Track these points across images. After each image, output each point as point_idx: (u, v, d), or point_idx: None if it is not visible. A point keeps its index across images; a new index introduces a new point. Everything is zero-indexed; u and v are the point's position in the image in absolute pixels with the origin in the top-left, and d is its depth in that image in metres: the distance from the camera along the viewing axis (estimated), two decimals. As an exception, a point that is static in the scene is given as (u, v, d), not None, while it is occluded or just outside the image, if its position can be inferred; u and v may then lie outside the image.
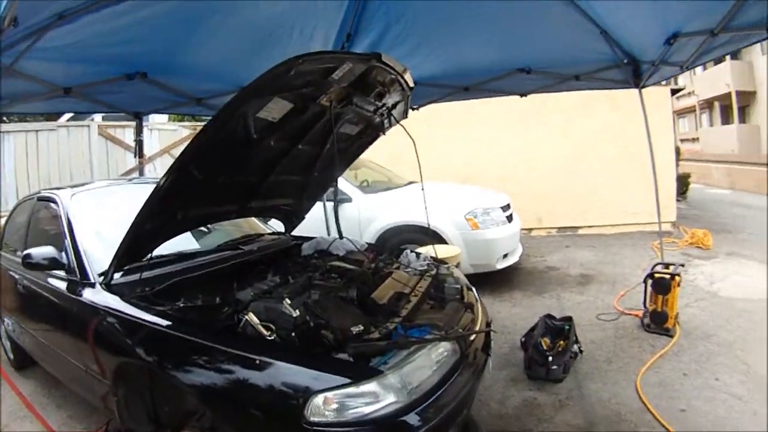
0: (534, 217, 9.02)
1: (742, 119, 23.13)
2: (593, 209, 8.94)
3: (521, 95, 5.10)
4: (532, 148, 9.21)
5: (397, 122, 3.38)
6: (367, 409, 1.96)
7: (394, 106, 3.26)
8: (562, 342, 3.92)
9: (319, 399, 1.93)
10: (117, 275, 2.70)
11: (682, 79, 26.60)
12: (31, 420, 3.62)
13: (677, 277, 4.30)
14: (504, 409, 3.48)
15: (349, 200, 6.16)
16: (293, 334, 2.19)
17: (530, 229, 9.18)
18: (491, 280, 6.02)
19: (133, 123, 6.64)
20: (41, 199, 3.79)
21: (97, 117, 10.35)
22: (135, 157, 6.66)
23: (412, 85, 3.02)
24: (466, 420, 2.60)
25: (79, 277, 2.87)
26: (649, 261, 5.89)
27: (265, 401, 2.04)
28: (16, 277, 3.65)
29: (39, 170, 8.01)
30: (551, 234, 9.10)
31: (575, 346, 4.01)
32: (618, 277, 6.04)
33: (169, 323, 2.34)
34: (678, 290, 4.32)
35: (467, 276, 3.49)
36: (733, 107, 22.77)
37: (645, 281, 4.51)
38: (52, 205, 3.47)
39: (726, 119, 24.49)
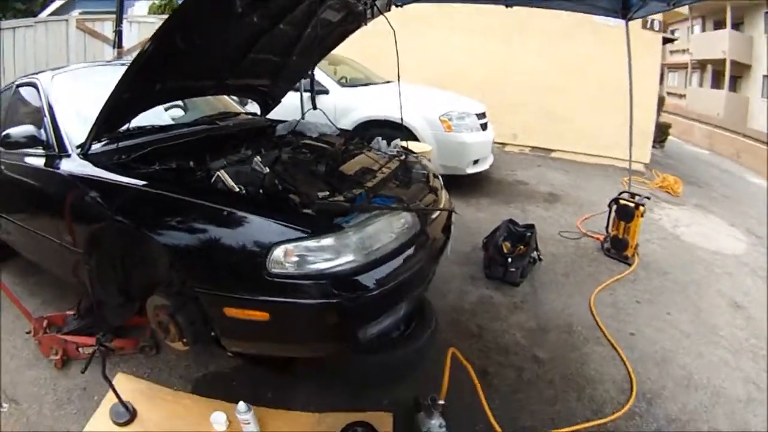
0: (509, 132, 8.94)
1: (733, 88, 23.05)
2: (568, 135, 8.91)
3: (506, 5, 4.85)
4: (512, 65, 9.04)
5: (381, 12, 3.33)
6: (326, 264, 2.02)
7: None
8: (522, 247, 4.01)
9: (280, 250, 1.99)
10: (95, 145, 2.70)
11: (680, 36, 26.36)
12: (5, 310, 3.66)
13: (641, 207, 4.36)
14: (461, 303, 3.61)
15: (327, 92, 6.07)
16: (261, 191, 2.21)
17: (504, 144, 9.11)
18: (460, 184, 6.03)
19: (112, 16, 6.30)
20: (20, 85, 3.64)
21: (74, 13, 10.47)
22: (114, 48, 6.54)
23: None
24: (421, 300, 2.70)
25: (57, 151, 2.85)
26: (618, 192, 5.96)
27: (230, 254, 2.08)
28: None
29: (15, 67, 7.66)
30: (524, 152, 9.05)
31: (535, 253, 4.10)
32: (585, 202, 6.11)
33: (144, 183, 2.36)
34: (640, 221, 4.39)
35: None
36: (725, 73, 22.62)
37: (609, 206, 4.57)
38: (32, 89, 3.35)
39: (716, 84, 24.29)
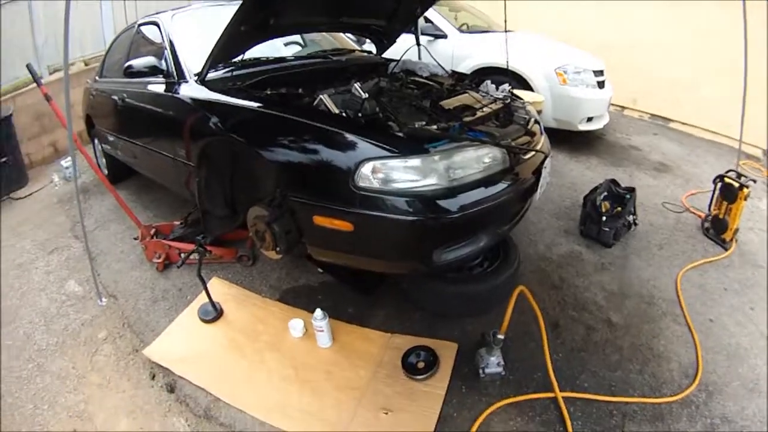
0: (629, 96, 8.54)
1: None
2: (690, 106, 8.27)
3: None
4: (640, 27, 8.48)
5: None
6: (410, 184, 2.13)
7: None
8: (619, 208, 3.91)
9: (368, 166, 2.13)
10: (211, 73, 2.96)
11: None
12: (118, 222, 4.25)
13: (745, 189, 4.05)
14: (549, 254, 3.62)
15: (445, 37, 6.05)
16: (360, 115, 2.32)
17: (623, 107, 8.73)
18: (572, 141, 5.93)
19: None
20: (142, 24, 3.97)
21: None
22: None
23: None
24: (507, 241, 2.77)
25: (177, 78, 3.14)
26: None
27: (323, 167, 2.26)
28: (116, 97, 3.99)
29: (137, 7, 7.91)
30: (643, 118, 8.57)
31: (631, 217, 3.99)
32: (693, 177, 5.76)
33: (252, 104, 2.58)
34: (743, 203, 4.08)
35: (548, 129, 3.43)
36: None
37: (714, 182, 4.29)
38: (154, 27, 3.67)
39: None
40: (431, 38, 5.80)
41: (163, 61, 3.24)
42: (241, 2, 2.51)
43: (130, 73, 3.11)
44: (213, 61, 2.85)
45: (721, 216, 4.18)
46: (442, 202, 2.14)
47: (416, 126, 2.30)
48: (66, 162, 5.67)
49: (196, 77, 3.00)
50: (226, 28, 2.59)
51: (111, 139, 4.50)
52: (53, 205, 5.06)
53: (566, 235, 3.92)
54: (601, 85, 5.77)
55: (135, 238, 3.75)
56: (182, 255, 3.30)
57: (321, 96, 2.44)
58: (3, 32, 6.22)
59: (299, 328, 2.66)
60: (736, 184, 4.08)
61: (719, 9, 7.11)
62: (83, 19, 7.29)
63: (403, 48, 3.96)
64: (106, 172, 5.06)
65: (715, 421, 2.41)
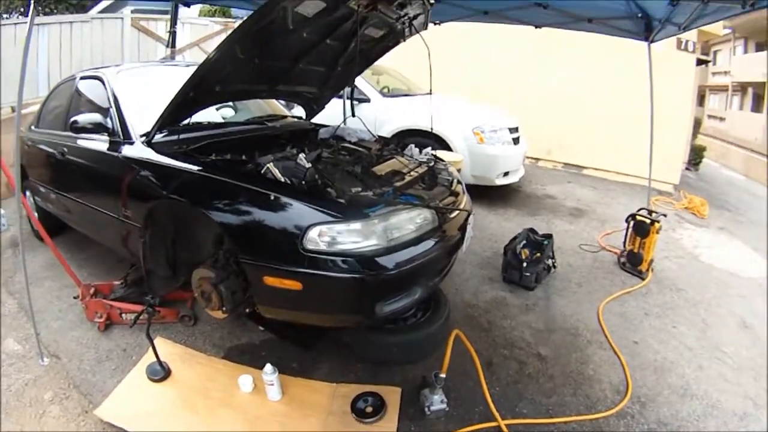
0: (543, 148, 9.16)
1: None
2: (600, 152, 9.02)
3: (536, 26, 5.19)
4: (547, 81, 9.22)
5: (418, 32, 3.57)
6: (353, 246, 2.35)
7: (416, 17, 3.44)
8: (538, 254, 4.20)
9: (315, 231, 2.33)
10: (156, 136, 3.06)
11: (722, 58, 25.62)
12: (52, 279, 4.15)
13: (657, 224, 4.48)
14: (476, 300, 3.87)
15: (368, 101, 6.44)
16: (303, 182, 2.53)
17: (538, 159, 9.34)
18: (490, 195, 6.34)
19: (165, 17, 6.93)
20: (84, 78, 4.00)
21: (126, 11, 10.78)
22: (167, 47, 6.76)
23: (432, 1, 3.28)
24: (436, 291, 3.00)
25: (122, 138, 3.22)
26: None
27: (273, 231, 2.44)
28: (54, 150, 4.00)
29: (72, 59, 8.00)
30: (557, 168, 9.18)
31: (550, 261, 4.31)
32: (609, 218, 6.23)
33: (203, 169, 2.72)
34: (656, 237, 4.51)
35: (467, 186, 3.71)
36: (765, 97, 21.85)
37: (627, 221, 4.70)
38: (96, 82, 3.71)
39: (757, 107, 23.50)
40: (355, 102, 6.05)
41: (108, 119, 3.31)
42: (193, 72, 2.67)
43: (75, 128, 3.16)
44: (162, 125, 2.97)
45: (635, 250, 4.58)
46: (381, 260, 2.37)
47: (353, 193, 2.56)
48: (-7, 212, 5.45)
49: (143, 138, 3.09)
50: (176, 95, 2.75)
51: (45, 192, 4.42)
52: (-18, 257, 4.84)
53: (490, 283, 4.22)
54: (516, 141, 6.24)
55: (75, 297, 3.69)
56: (124, 316, 3.40)
57: (268, 165, 2.62)
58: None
59: (249, 384, 2.73)
60: (648, 221, 4.48)
61: (627, 57, 7.73)
62: (18, 63, 7.11)
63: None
64: (40, 225, 4.91)
65: (652, 427, 2.67)
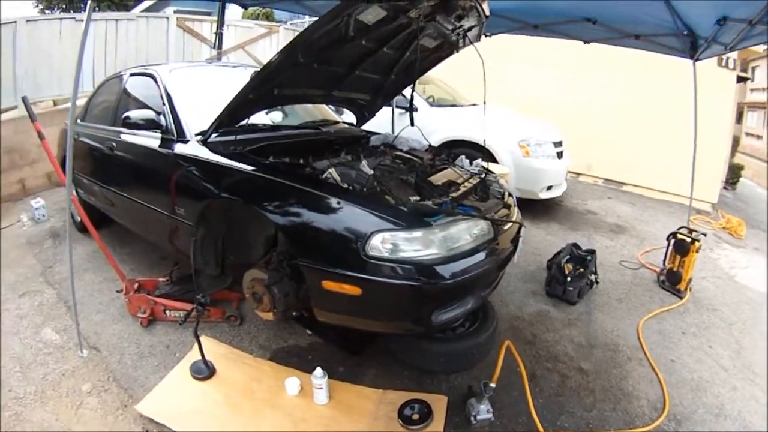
0: (584, 163, 9.09)
1: None
2: (640, 169, 8.94)
3: (585, 42, 5.20)
4: (590, 97, 9.18)
5: (471, 43, 3.58)
6: (414, 254, 2.37)
7: (470, 29, 3.45)
8: (581, 269, 4.20)
9: (378, 237, 2.35)
10: (212, 135, 3.08)
11: (760, 74, 25.12)
12: (93, 272, 4.18)
13: (697, 243, 4.45)
14: (520, 313, 3.90)
15: (416, 110, 6.27)
16: (365, 189, 2.56)
17: (579, 174, 9.29)
18: (533, 208, 6.32)
19: (209, 17, 6.90)
20: (134, 74, 4.07)
21: (169, 10, 11.09)
22: (212, 48, 6.98)
23: (488, 13, 3.24)
24: (485, 302, 2.98)
25: (176, 136, 3.26)
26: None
27: (335, 236, 2.45)
28: (101, 145, 4.06)
29: (117, 57, 8.13)
30: (597, 183, 9.14)
31: (592, 276, 4.30)
32: (648, 236, 6.19)
33: (265, 170, 2.75)
34: (695, 256, 4.47)
35: None
36: None
37: (668, 239, 4.67)
38: (148, 79, 3.76)
39: None
40: (402, 110, 5.99)
41: (161, 117, 3.33)
42: (254, 74, 2.72)
43: (127, 124, 3.21)
44: (220, 124, 3.01)
45: (675, 269, 4.53)
46: (440, 269, 2.38)
47: (413, 201, 2.57)
48: (36, 203, 5.58)
49: (198, 137, 3.12)
50: (236, 96, 2.78)
51: (89, 185, 4.47)
52: (22, 246, 4.92)
53: (534, 296, 4.23)
54: (560, 155, 6.23)
55: (118, 291, 3.72)
56: (168, 312, 3.44)
57: (330, 170, 2.66)
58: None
59: (295, 386, 2.75)
60: (688, 239, 4.45)
61: (668, 75, 7.67)
62: (65, 59, 7.29)
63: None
64: (78, 219, 4.98)
65: None
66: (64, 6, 14.49)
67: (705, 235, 4.74)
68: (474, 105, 6.62)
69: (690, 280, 4.55)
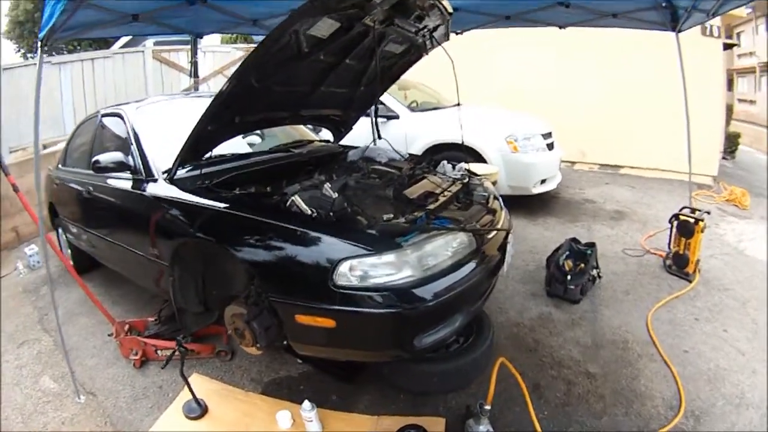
0: (578, 150, 8.94)
1: None
2: (635, 150, 8.79)
3: (560, 27, 5.10)
4: (577, 81, 9.02)
5: (439, 44, 3.48)
6: (386, 279, 2.24)
7: (435, 28, 3.35)
8: (582, 265, 4.04)
9: (345, 265, 2.22)
10: (179, 171, 3.01)
11: (746, 39, 24.85)
12: (87, 315, 4.16)
13: (701, 223, 4.28)
14: (520, 318, 3.74)
15: (397, 117, 6.30)
16: (331, 214, 2.42)
17: (573, 162, 9.13)
18: (528, 204, 6.16)
19: (186, 47, 7.25)
20: (105, 115, 4.02)
21: (149, 43, 10.95)
22: (190, 77, 6.89)
23: (450, 10, 3.14)
24: (479, 314, 2.84)
25: (144, 176, 3.19)
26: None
27: (302, 268, 2.34)
28: (81, 188, 3.98)
29: (96, 96, 8.13)
30: (593, 169, 8.98)
31: (594, 271, 4.14)
32: (650, 219, 6.03)
33: (227, 205, 2.64)
34: (701, 236, 4.31)
35: (504, 196, 3.61)
36: None
37: (670, 222, 4.52)
38: (117, 119, 3.72)
39: None
40: (384, 120, 5.94)
41: (129, 157, 3.26)
42: (209, 104, 2.61)
43: (97, 168, 3.13)
44: (182, 161, 2.92)
45: (681, 252, 4.38)
46: (418, 292, 2.24)
47: (385, 220, 2.43)
48: (30, 250, 5.58)
49: (165, 175, 3.04)
50: (193, 129, 2.69)
51: (75, 230, 4.46)
52: (19, 295, 4.95)
53: (534, 298, 4.05)
54: (550, 147, 6.07)
55: (110, 335, 3.69)
56: (159, 352, 3.37)
57: (293, 198, 2.53)
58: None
59: (287, 420, 2.65)
60: (692, 220, 4.29)
61: (653, 50, 7.55)
62: (43, 103, 7.26)
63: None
64: (71, 262, 4.96)
65: None
66: (45, 48, 14.53)
67: (709, 213, 4.57)
68: (458, 105, 6.49)
69: (698, 261, 4.39)
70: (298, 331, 2.43)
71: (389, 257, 2.25)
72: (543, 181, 6.00)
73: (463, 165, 3.63)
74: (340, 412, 2.77)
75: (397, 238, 2.32)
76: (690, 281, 4.28)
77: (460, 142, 4.75)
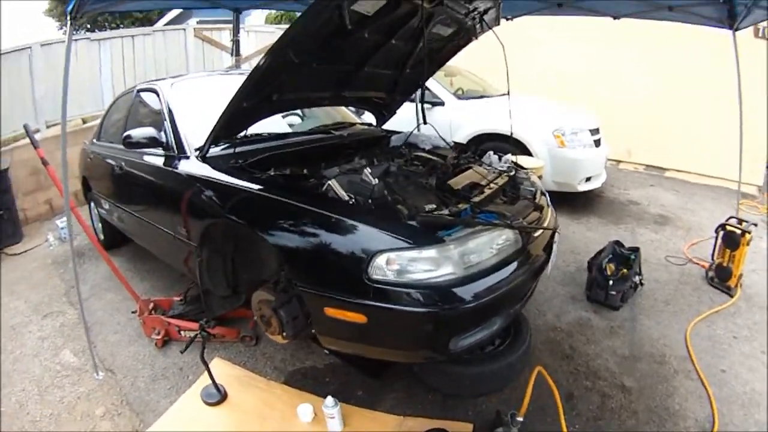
0: (624, 149, 8.66)
1: None
2: (682, 152, 8.43)
3: (614, 17, 4.87)
4: (626, 76, 8.66)
5: (489, 28, 3.34)
6: (425, 275, 2.08)
7: (486, 11, 3.20)
8: (624, 270, 3.87)
9: (382, 258, 2.07)
10: (213, 149, 2.92)
11: None
12: (113, 291, 4.17)
13: (747, 235, 4.07)
14: (558, 323, 3.62)
15: (442, 104, 6.13)
16: (370, 201, 2.27)
17: (618, 161, 8.82)
18: (572, 202, 5.98)
19: (229, 26, 7.04)
20: (141, 90, 3.95)
21: (192, 21, 11.16)
22: (231, 56, 6.88)
23: None
24: (518, 316, 2.68)
25: (177, 152, 3.11)
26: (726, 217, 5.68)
27: (335, 258, 2.19)
28: (114, 163, 4.01)
29: (136, 72, 8.07)
30: (638, 170, 8.68)
31: (637, 278, 3.97)
32: (694, 226, 5.81)
33: (260, 187, 2.52)
34: (746, 249, 4.11)
35: (549, 192, 3.44)
36: None
37: (716, 231, 4.31)
38: (152, 94, 3.64)
39: None
40: (428, 106, 5.74)
41: (162, 133, 3.19)
42: (244, 80, 2.50)
43: (128, 143, 3.08)
44: (215, 138, 2.83)
45: (725, 264, 4.18)
46: (458, 291, 2.09)
47: (427, 211, 2.27)
48: (61, 222, 5.62)
49: (198, 152, 2.95)
50: (228, 105, 2.58)
51: (107, 205, 4.44)
52: (48, 266, 5.00)
53: (573, 302, 3.91)
54: (597, 143, 5.82)
55: (133, 312, 3.66)
56: (183, 333, 3.29)
57: (330, 182, 2.39)
58: (3, 83, 6.32)
59: (308, 414, 2.56)
60: (738, 231, 4.09)
61: (707, 49, 7.26)
62: (82, 78, 7.36)
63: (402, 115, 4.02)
64: (102, 237, 5.00)
65: None
66: (88, 26, 14.76)
67: (756, 225, 4.36)
68: (504, 95, 6.31)
69: (741, 275, 4.20)
70: (327, 324, 2.31)
71: (430, 252, 2.09)
72: (588, 179, 5.78)
73: (510, 157, 3.44)
74: (365, 410, 2.67)
75: (440, 232, 2.16)
76: (731, 296, 4.10)
77: (508, 133, 4.60)
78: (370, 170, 2.49)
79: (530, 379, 2.59)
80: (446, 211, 2.33)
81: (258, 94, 2.71)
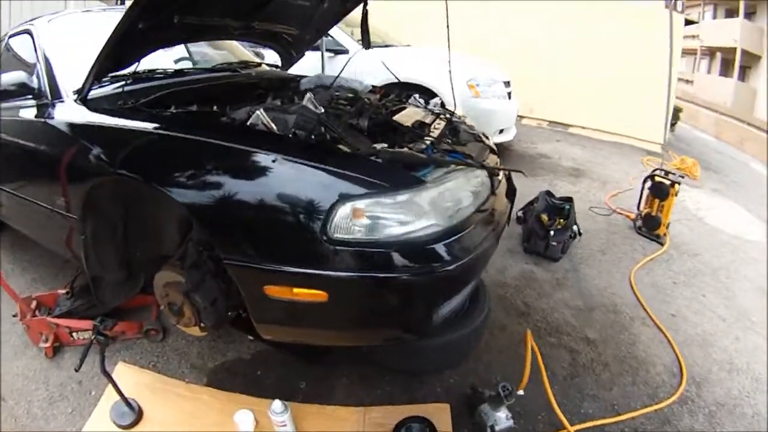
0: (526, 105, 8.62)
1: (742, 77, 23.08)
2: (585, 111, 8.79)
3: None
4: (528, 34, 8.85)
5: None
6: (402, 229, 1.60)
7: None
8: (561, 221, 3.81)
9: (345, 208, 1.56)
10: (95, 89, 2.26)
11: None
12: None
13: (677, 186, 4.23)
14: (503, 278, 3.48)
15: (346, 52, 5.69)
16: (314, 137, 1.74)
17: (521, 117, 8.85)
18: None
19: None
20: (12, 35, 3.15)
21: None
22: None
23: None
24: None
25: (50, 98, 2.42)
26: (640, 171, 6.03)
27: (277, 213, 1.63)
28: None
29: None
30: (542, 126, 8.93)
31: (575, 227, 3.93)
32: (608, 179, 6.02)
33: (158, 125, 1.93)
34: (674, 199, 4.28)
35: None
36: (735, 62, 22.57)
37: (643, 182, 4.44)
38: (26, 36, 2.89)
39: (725, 72, 24.31)
40: (332, 54, 5.51)
41: (34, 77, 2.51)
42: None
43: None
44: (99, 71, 2.15)
45: (653, 213, 4.34)
46: (444, 248, 1.64)
47: (384, 148, 1.79)
48: None
49: (76, 95, 2.28)
50: (118, 25, 1.91)
51: None
52: None
53: (512, 255, 3.81)
54: (509, 96, 5.81)
55: (14, 315, 2.86)
56: (75, 335, 2.67)
57: (257, 111, 1.84)
58: None
59: (249, 422, 2.06)
60: (667, 182, 4.25)
61: (606, 22, 7.51)
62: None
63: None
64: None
65: (712, 409, 2.50)
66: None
67: (683, 177, 4.65)
68: (407, 46, 6.00)
69: (668, 225, 4.38)
70: (268, 309, 1.76)
71: (407, 196, 1.62)
72: (501, 131, 5.72)
73: (438, 100, 3.07)
74: (316, 406, 2.22)
75: (414, 172, 1.71)
76: (661, 244, 4.28)
77: (421, 82, 4.25)
78: (312, 96, 1.97)
79: (526, 345, 2.24)
80: (405, 149, 1.86)
81: (156, 14, 2.06)
